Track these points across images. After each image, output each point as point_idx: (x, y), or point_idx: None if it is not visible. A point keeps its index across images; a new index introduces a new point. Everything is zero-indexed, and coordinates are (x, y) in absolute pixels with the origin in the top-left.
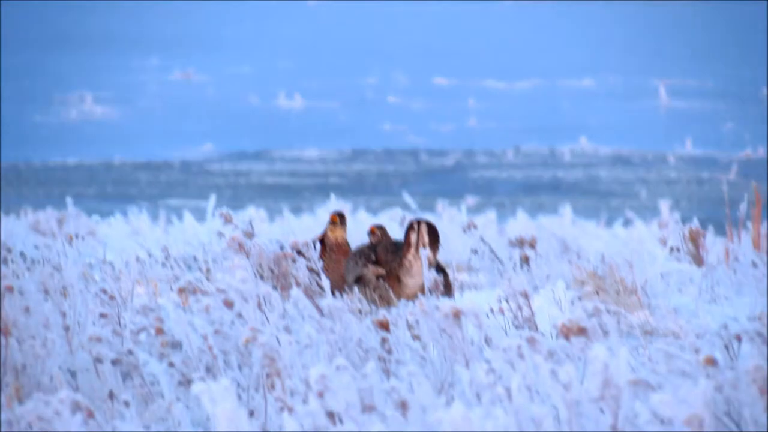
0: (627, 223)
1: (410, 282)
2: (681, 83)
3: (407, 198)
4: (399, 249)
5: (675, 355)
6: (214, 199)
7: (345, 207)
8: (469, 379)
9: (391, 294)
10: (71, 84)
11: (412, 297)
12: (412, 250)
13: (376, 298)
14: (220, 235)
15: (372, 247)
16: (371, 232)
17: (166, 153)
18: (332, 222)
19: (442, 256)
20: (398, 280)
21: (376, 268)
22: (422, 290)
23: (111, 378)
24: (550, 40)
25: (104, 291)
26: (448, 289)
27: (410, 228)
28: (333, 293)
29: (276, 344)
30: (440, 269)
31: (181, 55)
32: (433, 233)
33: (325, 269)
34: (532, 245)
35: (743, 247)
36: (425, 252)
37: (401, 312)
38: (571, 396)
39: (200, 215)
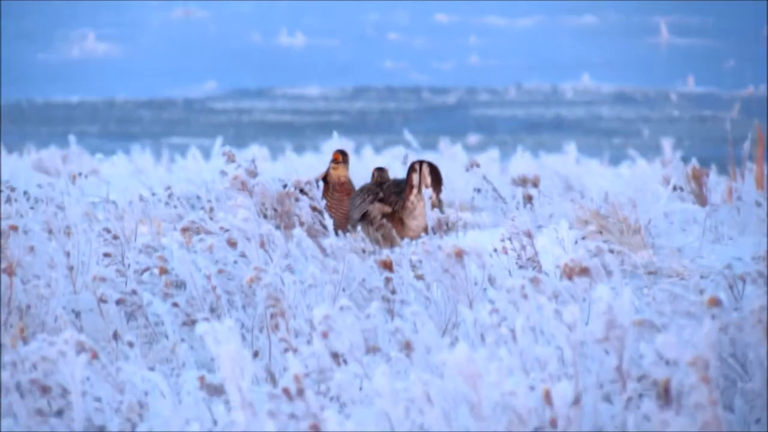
0: (630, 161)
1: (413, 224)
2: (682, 20)
3: (409, 136)
4: (402, 189)
5: (679, 296)
6: (220, 140)
7: (348, 145)
8: (473, 320)
9: (394, 234)
10: (73, 21)
11: (415, 237)
12: (415, 191)
13: (379, 237)
14: (223, 173)
15: (378, 185)
16: (374, 176)
17: (168, 91)
18: (335, 160)
19: (444, 196)
20: (401, 221)
21: (382, 205)
22: (425, 230)
23: (115, 318)
24: None
25: (108, 230)
26: (439, 205)
27: (412, 169)
28: (336, 232)
29: (280, 284)
30: (436, 180)
31: None
32: (435, 174)
33: (328, 208)
34: (535, 184)
35: (746, 186)
36: (428, 192)
37: (404, 252)
38: (575, 337)
39: (203, 153)
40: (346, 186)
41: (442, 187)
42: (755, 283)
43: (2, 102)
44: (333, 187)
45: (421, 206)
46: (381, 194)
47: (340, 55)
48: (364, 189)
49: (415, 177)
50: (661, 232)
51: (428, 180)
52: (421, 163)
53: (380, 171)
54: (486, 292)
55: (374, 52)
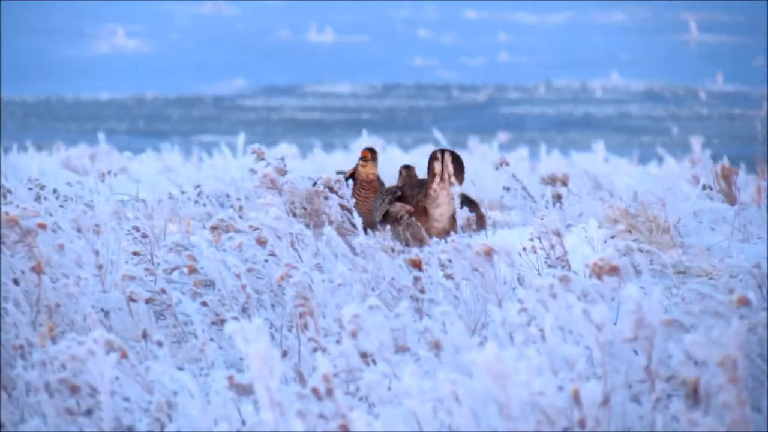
0: (658, 159)
1: (437, 212)
2: (712, 17)
3: (438, 134)
4: (424, 184)
5: (708, 295)
6: (243, 137)
7: (377, 143)
8: (502, 319)
9: (423, 231)
10: (102, 17)
11: (442, 231)
12: (437, 179)
13: (408, 235)
14: (253, 172)
15: (399, 187)
16: (400, 173)
17: (197, 87)
18: (363, 158)
19: (474, 193)
20: (425, 212)
21: (403, 204)
22: (453, 222)
23: (144, 317)
24: None
25: (137, 229)
26: (480, 222)
27: (434, 158)
28: (365, 231)
29: (309, 283)
30: (470, 202)
31: None
32: (458, 162)
33: (356, 206)
34: (564, 183)
35: None
36: (454, 188)
37: (433, 250)
38: (604, 336)
39: (232, 151)
40: (374, 184)
41: (464, 176)
42: None
43: (31, 99)
44: (361, 184)
45: (444, 194)
46: (399, 193)
47: (369, 52)
48: (385, 191)
49: (437, 165)
50: (690, 232)
51: (450, 168)
52: (443, 151)
53: (407, 169)
54: (515, 291)
55: (404, 49)
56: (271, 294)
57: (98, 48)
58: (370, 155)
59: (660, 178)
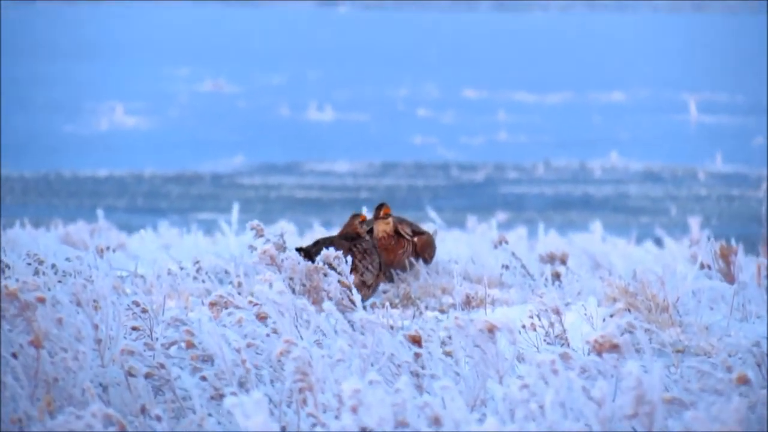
0: (657, 240)
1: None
2: (711, 97)
3: (432, 213)
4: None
5: (708, 373)
6: (236, 208)
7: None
8: (503, 395)
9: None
10: (101, 94)
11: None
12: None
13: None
14: (252, 248)
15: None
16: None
17: (197, 165)
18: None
19: (473, 271)
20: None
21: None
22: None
23: (143, 392)
24: (581, 53)
25: (136, 304)
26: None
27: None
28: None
29: (308, 358)
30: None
31: (211, 65)
32: (357, 269)
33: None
34: (563, 261)
35: None
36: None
37: (434, 326)
38: (604, 413)
39: (231, 227)
40: (383, 241)
41: (373, 263)
42: None
43: (30, 175)
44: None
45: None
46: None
47: (369, 130)
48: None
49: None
50: (689, 310)
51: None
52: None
53: (354, 218)
54: (515, 367)
55: (403, 128)
56: (270, 369)
57: (97, 124)
58: (351, 217)
59: (659, 257)
